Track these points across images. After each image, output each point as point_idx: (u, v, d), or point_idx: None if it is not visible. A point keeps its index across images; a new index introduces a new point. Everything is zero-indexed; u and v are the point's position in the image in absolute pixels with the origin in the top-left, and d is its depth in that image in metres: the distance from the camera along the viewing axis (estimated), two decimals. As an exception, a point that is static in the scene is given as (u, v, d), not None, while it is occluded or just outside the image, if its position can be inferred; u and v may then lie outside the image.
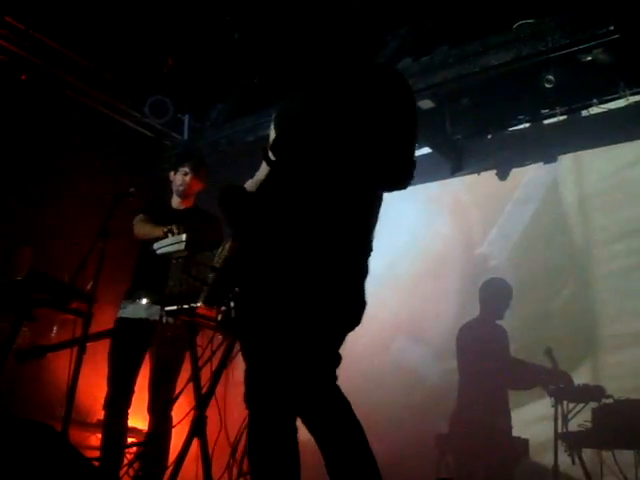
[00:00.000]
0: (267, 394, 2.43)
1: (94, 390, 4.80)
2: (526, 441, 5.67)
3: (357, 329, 2.50)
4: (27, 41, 6.93)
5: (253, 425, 2.52)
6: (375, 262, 2.52)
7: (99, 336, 4.51)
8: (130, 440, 5.12)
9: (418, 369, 6.72)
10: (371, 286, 2.51)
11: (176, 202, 4.97)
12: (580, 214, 6.94)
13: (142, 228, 4.65)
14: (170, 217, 4.65)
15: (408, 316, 6.70)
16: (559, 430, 5.40)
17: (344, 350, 2.50)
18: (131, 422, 5.34)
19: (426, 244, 6.74)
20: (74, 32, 6.93)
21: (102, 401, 4.49)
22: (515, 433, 5.70)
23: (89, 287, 4.32)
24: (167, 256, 3.76)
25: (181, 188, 4.88)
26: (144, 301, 4.49)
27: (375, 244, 2.55)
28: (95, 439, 5.83)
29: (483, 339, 5.90)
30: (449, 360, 6.20)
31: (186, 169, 4.87)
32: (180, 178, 4.88)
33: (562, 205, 6.83)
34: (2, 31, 6.75)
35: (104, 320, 4.69)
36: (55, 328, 6.29)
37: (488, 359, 5.77)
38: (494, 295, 6.05)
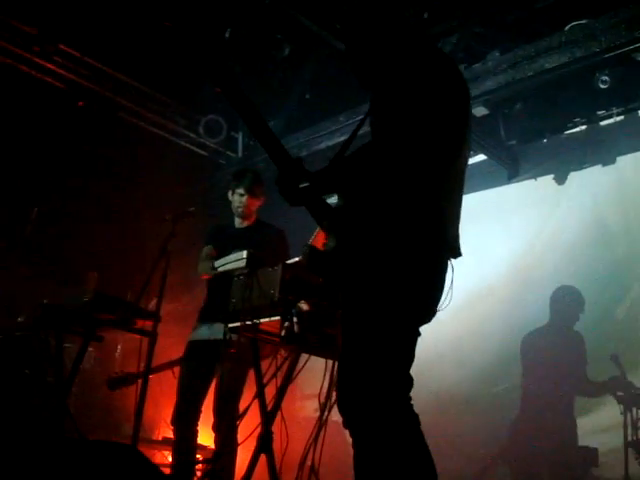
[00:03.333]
0: (383, 385, 2.35)
1: (159, 408, 4.85)
2: (595, 450, 5.54)
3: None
4: (83, 68, 7.11)
5: (374, 424, 2.35)
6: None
7: (172, 364, 4.60)
8: (199, 457, 5.18)
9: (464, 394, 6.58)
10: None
11: (238, 221, 4.99)
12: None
13: (201, 267, 4.70)
14: (233, 237, 4.73)
15: (452, 339, 6.58)
16: (629, 438, 5.26)
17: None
18: (201, 440, 5.43)
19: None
20: (127, 56, 7.07)
21: (167, 419, 4.55)
22: (582, 442, 5.58)
23: (152, 305, 4.39)
24: (229, 274, 3.79)
25: (240, 209, 4.90)
26: (209, 320, 4.53)
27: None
28: (161, 456, 5.90)
29: (555, 346, 5.80)
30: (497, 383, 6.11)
31: (241, 190, 4.89)
32: (237, 199, 4.90)
33: (624, 205, 6.67)
34: (58, 59, 6.93)
35: (169, 339, 4.75)
36: (119, 347, 6.39)
37: (558, 366, 5.68)
38: (567, 303, 5.95)
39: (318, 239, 2.79)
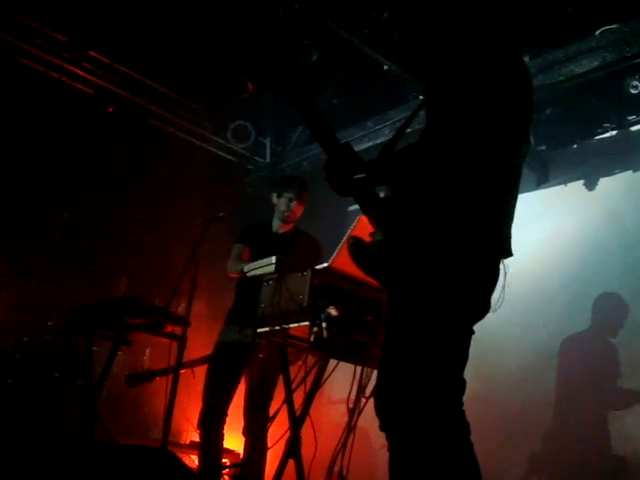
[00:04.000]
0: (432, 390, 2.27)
1: (187, 412, 4.87)
2: (622, 459, 5.48)
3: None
4: (112, 74, 7.18)
5: (423, 430, 2.26)
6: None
7: (201, 361, 4.61)
8: (225, 461, 5.19)
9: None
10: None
11: (277, 226, 4.94)
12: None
13: (231, 266, 4.67)
14: (271, 242, 4.71)
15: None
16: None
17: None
18: (227, 444, 5.43)
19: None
20: (156, 62, 7.13)
21: (194, 423, 4.55)
22: (608, 450, 5.53)
23: (181, 310, 4.42)
24: (258, 279, 3.80)
25: (286, 214, 4.85)
26: (238, 324, 4.53)
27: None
28: (188, 460, 5.92)
29: (592, 355, 5.75)
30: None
31: (291, 195, 4.84)
32: (285, 204, 4.84)
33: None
34: (87, 65, 7.00)
35: (197, 343, 4.77)
36: (147, 351, 6.43)
37: (592, 375, 5.63)
38: (608, 312, 5.89)
39: (357, 232, 2.74)
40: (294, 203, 4.84)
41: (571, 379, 5.83)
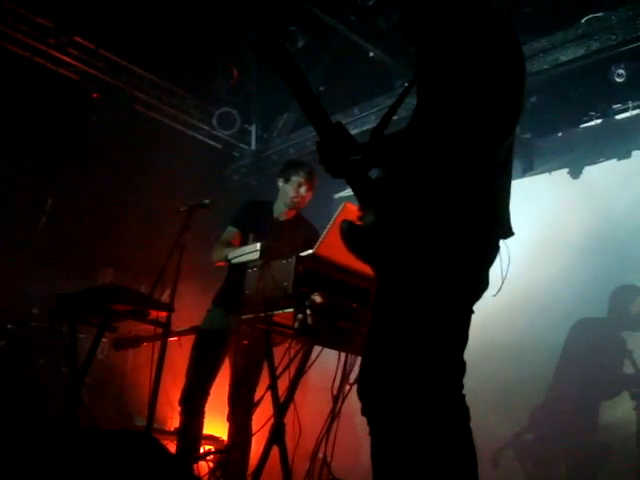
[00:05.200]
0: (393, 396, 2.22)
1: (172, 400, 4.87)
2: (607, 445, 5.53)
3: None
4: (98, 60, 7.14)
5: (418, 415, 2.21)
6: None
7: (189, 332, 4.60)
8: (209, 448, 5.20)
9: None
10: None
11: (280, 212, 4.76)
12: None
13: (216, 254, 4.55)
14: (268, 230, 4.55)
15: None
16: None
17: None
18: (211, 430, 5.43)
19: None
20: (141, 48, 7.10)
21: (178, 408, 4.55)
22: (597, 437, 5.58)
23: (165, 297, 4.41)
24: (243, 265, 3.79)
25: (295, 200, 4.65)
26: (224, 309, 4.52)
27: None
28: (173, 446, 5.94)
29: (598, 343, 5.80)
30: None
31: (301, 179, 4.63)
32: (293, 189, 4.64)
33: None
34: (73, 51, 6.96)
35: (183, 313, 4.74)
36: (133, 338, 6.42)
37: (593, 363, 5.69)
38: (624, 305, 5.94)
39: (344, 216, 2.69)
40: (304, 188, 4.64)
41: (571, 363, 5.88)
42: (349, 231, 2.39)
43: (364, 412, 2.33)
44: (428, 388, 2.21)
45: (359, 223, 2.41)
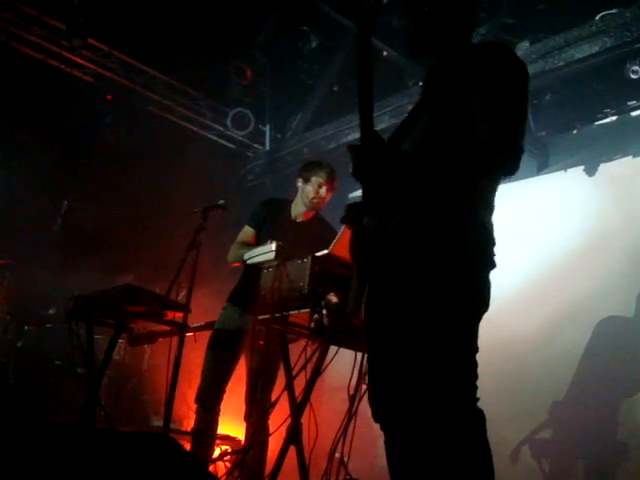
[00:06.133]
0: (401, 404, 2.27)
1: (188, 400, 4.88)
2: (625, 445, 5.50)
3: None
4: (111, 62, 7.17)
5: (434, 421, 2.25)
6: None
7: (204, 327, 4.59)
8: (226, 448, 5.21)
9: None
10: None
11: (299, 212, 4.69)
12: None
13: (232, 255, 4.55)
14: (288, 232, 4.48)
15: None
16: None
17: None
18: (229, 430, 5.44)
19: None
20: (155, 50, 7.12)
21: (195, 409, 4.55)
22: (617, 435, 5.55)
23: (180, 298, 4.42)
24: (258, 266, 3.79)
25: (315, 201, 4.57)
26: (238, 308, 4.50)
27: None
28: (189, 446, 5.96)
29: (622, 342, 5.76)
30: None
31: (321, 180, 4.55)
32: (313, 190, 4.56)
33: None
34: (86, 53, 6.99)
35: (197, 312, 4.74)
36: (149, 340, 6.45)
37: (617, 360, 5.66)
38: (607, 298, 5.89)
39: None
40: (324, 189, 4.55)
41: (595, 359, 5.86)
42: (361, 235, 2.43)
43: (376, 418, 2.37)
44: (441, 393, 2.24)
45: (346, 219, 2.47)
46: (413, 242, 2.32)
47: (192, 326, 4.45)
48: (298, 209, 4.69)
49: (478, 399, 2.30)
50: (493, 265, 2.39)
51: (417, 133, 2.45)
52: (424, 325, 2.26)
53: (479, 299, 2.35)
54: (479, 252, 2.34)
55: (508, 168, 2.29)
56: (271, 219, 4.66)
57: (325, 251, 3.38)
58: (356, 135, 6.93)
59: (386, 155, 2.33)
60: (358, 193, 2.54)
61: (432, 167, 2.31)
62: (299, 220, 4.71)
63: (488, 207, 2.42)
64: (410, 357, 2.26)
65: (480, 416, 2.28)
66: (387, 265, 2.35)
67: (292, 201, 4.75)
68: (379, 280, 2.38)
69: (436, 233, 2.30)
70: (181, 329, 4.15)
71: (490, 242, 2.39)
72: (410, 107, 2.64)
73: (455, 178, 2.30)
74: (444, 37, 2.52)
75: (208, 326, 4.61)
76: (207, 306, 5.05)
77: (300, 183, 4.65)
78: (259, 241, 4.51)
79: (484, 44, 2.49)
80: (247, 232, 4.66)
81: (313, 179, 4.58)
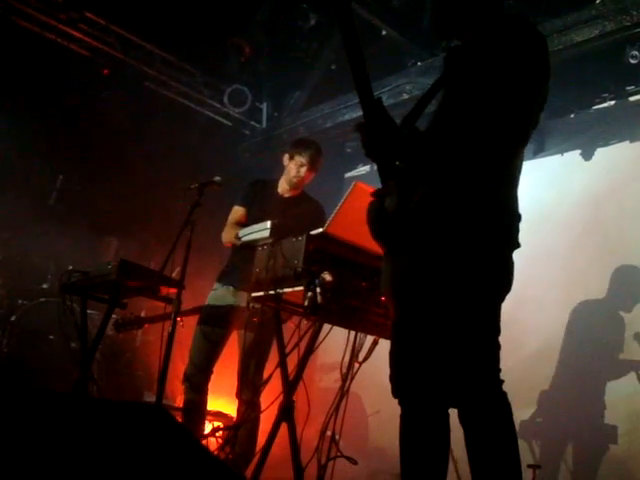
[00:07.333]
0: (423, 381, 2.32)
1: (180, 375, 4.90)
2: (615, 427, 5.54)
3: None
4: (108, 36, 7.12)
5: (406, 414, 2.38)
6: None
7: (192, 311, 4.60)
8: (218, 424, 5.23)
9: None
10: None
11: (284, 188, 4.78)
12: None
13: (226, 235, 4.59)
14: (274, 205, 4.59)
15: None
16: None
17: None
18: (220, 407, 5.46)
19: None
20: (152, 24, 7.07)
21: (182, 388, 4.57)
22: (605, 417, 5.60)
23: (175, 274, 4.42)
24: (252, 243, 3.80)
25: (294, 180, 4.67)
26: (232, 287, 4.53)
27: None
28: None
29: (602, 325, 5.80)
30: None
31: (303, 160, 4.64)
32: (295, 168, 4.66)
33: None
34: (83, 27, 6.94)
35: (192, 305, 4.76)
36: (143, 314, 6.46)
37: (599, 344, 5.70)
38: (624, 285, 5.92)
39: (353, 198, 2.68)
40: (304, 169, 4.65)
41: (575, 344, 5.90)
42: (378, 217, 2.42)
43: (395, 394, 2.39)
44: (465, 374, 2.28)
45: (372, 199, 2.44)
46: (433, 224, 2.32)
47: (180, 311, 4.47)
48: (283, 185, 4.78)
49: (503, 381, 2.32)
50: (515, 244, 2.40)
51: (433, 111, 2.48)
52: (446, 305, 2.29)
53: (500, 278, 2.36)
54: (499, 230, 2.34)
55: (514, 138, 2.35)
56: (260, 197, 4.73)
57: (320, 229, 3.38)
58: (353, 114, 6.92)
59: (391, 130, 2.35)
60: (354, 173, 2.54)
61: (445, 145, 2.33)
62: (287, 195, 4.78)
63: (510, 181, 2.42)
64: (433, 336, 2.30)
65: (504, 398, 2.30)
66: (409, 247, 2.37)
67: (279, 178, 4.83)
68: (402, 261, 2.40)
69: (454, 214, 2.31)
70: (176, 305, 4.15)
71: (512, 218, 2.39)
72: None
73: (467, 156, 2.31)
74: (469, 15, 2.55)
75: (195, 310, 4.62)
76: (201, 281, 5.05)
77: (286, 161, 4.74)
78: (250, 219, 4.55)
79: (503, 20, 2.47)
80: (237, 211, 4.72)
81: (296, 158, 4.67)
